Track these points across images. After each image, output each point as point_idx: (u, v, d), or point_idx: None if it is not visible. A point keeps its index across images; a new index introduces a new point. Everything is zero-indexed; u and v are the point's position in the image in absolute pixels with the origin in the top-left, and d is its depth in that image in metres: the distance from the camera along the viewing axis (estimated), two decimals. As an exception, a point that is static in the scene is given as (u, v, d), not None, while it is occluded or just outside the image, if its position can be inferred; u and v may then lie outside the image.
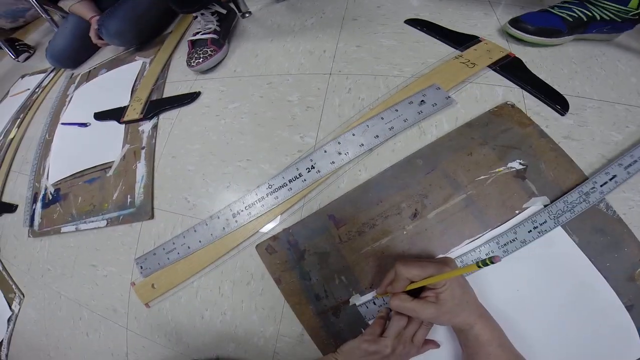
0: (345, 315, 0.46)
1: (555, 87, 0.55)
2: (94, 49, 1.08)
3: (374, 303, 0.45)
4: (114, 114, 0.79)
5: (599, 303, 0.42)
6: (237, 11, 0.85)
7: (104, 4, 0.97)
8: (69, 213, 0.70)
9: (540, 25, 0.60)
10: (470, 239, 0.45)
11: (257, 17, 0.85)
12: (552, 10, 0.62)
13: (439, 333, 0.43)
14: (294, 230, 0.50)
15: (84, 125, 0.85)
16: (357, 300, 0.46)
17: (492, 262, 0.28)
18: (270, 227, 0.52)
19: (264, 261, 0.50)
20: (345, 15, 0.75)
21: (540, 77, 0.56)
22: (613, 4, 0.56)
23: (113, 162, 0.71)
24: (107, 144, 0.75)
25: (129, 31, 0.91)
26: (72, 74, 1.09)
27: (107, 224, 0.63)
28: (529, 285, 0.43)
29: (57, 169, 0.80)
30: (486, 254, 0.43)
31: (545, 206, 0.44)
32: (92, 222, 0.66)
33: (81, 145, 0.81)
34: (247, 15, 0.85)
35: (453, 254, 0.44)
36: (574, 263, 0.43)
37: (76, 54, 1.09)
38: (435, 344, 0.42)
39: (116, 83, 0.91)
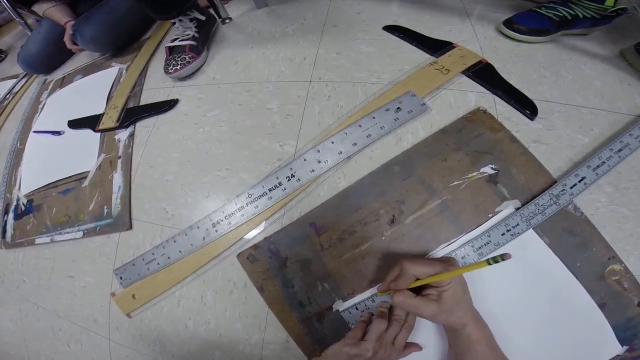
0: (329, 321, 0.46)
1: (525, 92, 0.57)
2: (69, 54, 1.05)
3: (356, 308, 0.46)
4: (89, 122, 0.77)
5: (572, 302, 0.44)
6: (217, 17, 0.84)
7: (79, 8, 0.95)
8: (43, 224, 0.68)
9: (532, 25, 0.65)
10: (446, 243, 0.46)
11: (237, 23, 0.84)
12: (540, 11, 0.66)
13: (421, 335, 0.44)
14: (275, 239, 0.50)
15: (58, 133, 0.82)
16: (340, 306, 0.46)
17: (503, 259, 0.29)
18: (251, 236, 0.51)
19: (245, 270, 0.50)
20: (326, 21, 0.76)
21: (510, 82, 0.58)
22: (592, 3, 0.62)
23: (88, 172, 0.69)
24: (81, 153, 0.73)
25: (105, 37, 0.89)
26: (46, 79, 1.05)
27: (84, 235, 0.62)
28: (503, 288, 0.44)
29: (30, 179, 0.77)
30: (462, 257, 0.44)
31: (517, 209, 0.46)
32: (68, 233, 0.64)
33: (55, 154, 0.78)
34: (227, 21, 0.85)
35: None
36: (546, 264, 0.45)
37: (50, 59, 1.05)
38: (418, 347, 0.43)
39: (91, 90, 0.89)
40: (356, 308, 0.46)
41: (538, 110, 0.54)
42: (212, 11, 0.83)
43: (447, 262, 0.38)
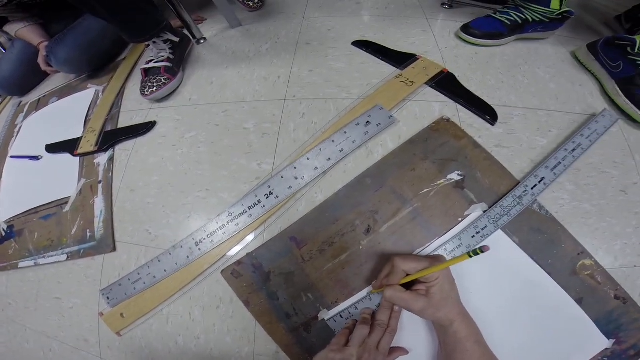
0: (316, 330, 0.48)
1: (485, 98, 0.60)
2: (43, 75, 1.03)
3: (341, 316, 0.47)
4: (67, 146, 0.76)
5: (549, 300, 0.45)
6: (191, 38, 0.85)
7: (53, 28, 0.93)
8: (26, 249, 0.67)
9: (485, 30, 0.70)
10: (420, 248, 0.48)
11: (212, 43, 0.85)
12: (494, 16, 0.70)
13: (412, 336, 0.45)
14: (257, 254, 0.52)
15: (36, 158, 0.80)
16: (326, 315, 0.48)
17: (482, 252, 0.30)
18: (233, 253, 0.53)
19: (230, 285, 0.51)
20: (299, 39, 0.78)
21: (471, 89, 0.61)
22: (539, 7, 0.66)
23: (69, 197, 0.68)
24: (61, 178, 0.72)
25: (80, 59, 0.88)
26: (20, 102, 1.03)
27: (68, 257, 0.62)
28: (479, 290, 0.45)
29: (9, 206, 0.75)
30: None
31: (484, 212, 0.48)
32: (52, 256, 0.63)
33: (33, 180, 0.77)
34: (202, 41, 0.86)
35: None
36: (518, 263, 0.46)
37: (24, 80, 1.02)
38: (404, 351, 0.44)
39: (68, 112, 0.88)
40: (341, 316, 0.47)
41: (498, 115, 0.57)
42: (186, 32, 0.84)
43: (435, 258, 0.40)
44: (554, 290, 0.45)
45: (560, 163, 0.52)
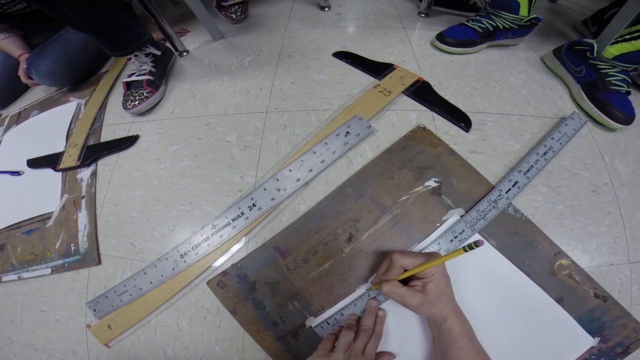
0: (304, 337, 0.48)
1: (460, 105, 0.62)
2: (24, 88, 1.01)
3: (328, 323, 0.48)
4: (49, 161, 0.75)
5: (530, 301, 0.46)
6: (173, 50, 0.86)
7: (34, 40, 0.91)
8: (9, 263, 0.66)
9: (458, 38, 0.72)
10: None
11: (195, 55, 0.86)
12: (467, 24, 0.73)
13: (400, 341, 0.46)
14: (242, 264, 0.52)
15: (17, 173, 0.79)
16: (312, 322, 0.48)
17: (477, 246, 0.31)
18: (219, 264, 0.53)
19: (217, 295, 0.51)
20: (281, 51, 0.79)
21: (446, 97, 0.63)
22: (508, 14, 0.69)
23: (52, 212, 0.67)
24: (43, 193, 0.71)
25: (61, 72, 0.87)
26: (0, 115, 1.01)
27: (52, 271, 0.61)
28: (461, 294, 0.45)
29: None
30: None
31: (461, 217, 0.50)
32: (36, 270, 0.63)
33: (15, 195, 0.75)
34: (184, 54, 0.86)
35: None
36: (497, 266, 0.48)
37: (4, 93, 1.00)
38: (391, 355, 0.44)
39: (50, 126, 0.86)
40: (327, 322, 0.48)
41: (472, 122, 0.60)
42: (168, 44, 0.85)
43: (431, 255, 0.41)
44: (534, 291, 0.46)
45: (532, 166, 0.54)
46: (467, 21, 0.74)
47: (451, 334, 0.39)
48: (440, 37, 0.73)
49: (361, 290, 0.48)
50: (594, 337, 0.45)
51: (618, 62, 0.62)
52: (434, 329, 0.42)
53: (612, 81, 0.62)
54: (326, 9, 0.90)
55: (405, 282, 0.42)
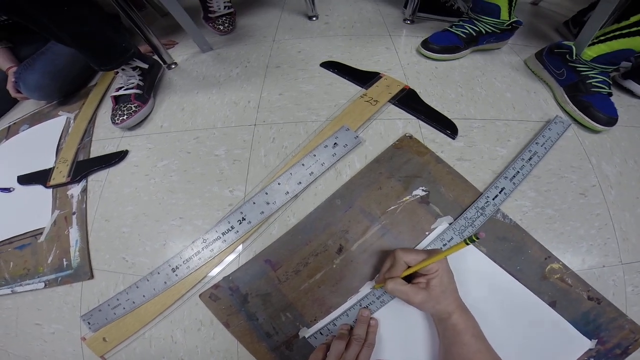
0: (298, 347, 0.48)
1: (446, 112, 0.63)
2: (12, 101, 1.00)
3: (321, 333, 0.48)
4: (39, 178, 0.74)
5: (523, 306, 0.46)
6: (161, 63, 0.86)
7: (22, 52, 0.90)
8: (2, 277, 0.66)
9: (443, 44, 0.73)
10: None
11: (183, 68, 0.86)
12: (451, 29, 0.74)
13: (413, 333, 0.45)
14: (233, 277, 0.52)
15: (8, 190, 0.78)
16: (305, 332, 0.48)
17: (478, 238, 0.31)
18: (210, 277, 0.53)
19: (209, 308, 0.52)
20: (269, 62, 0.80)
21: (432, 104, 0.64)
22: (490, 19, 0.70)
23: (43, 228, 0.67)
24: (34, 210, 0.71)
25: (50, 85, 0.86)
26: (-10, 129, 1.01)
27: (45, 285, 0.61)
28: None
29: None
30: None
31: (450, 224, 0.51)
32: (29, 284, 0.63)
33: (6, 212, 0.75)
34: (172, 66, 0.86)
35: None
36: (488, 272, 0.48)
37: None
38: None
39: (39, 141, 0.86)
40: (320, 333, 0.48)
41: (458, 129, 0.60)
42: (156, 57, 0.85)
43: (433, 251, 0.41)
44: (527, 296, 0.47)
45: (518, 172, 0.55)
46: (451, 27, 0.75)
47: (455, 330, 0.39)
48: (425, 44, 0.74)
49: (355, 298, 0.48)
50: (590, 340, 0.45)
51: (596, 64, 0.63)
52: (439, 326, 0.42)
53: (593, 83, 0.63)
54: (314, 19, 0.91)
55: (408, 280, 0.42)
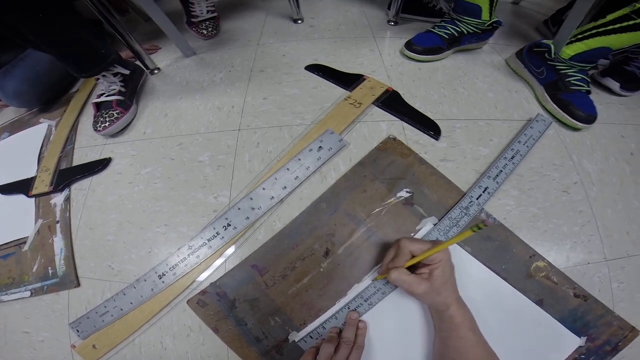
0: (288, 351, 0.48)
1: (429, 113, 0.64)
2: None
3: (310, 337, 0.48)
4: (21, 187, 0.73)
5: (510, 304, 0.47)
6: (144, 68, 0.84)
7: (1, 58, 0.88)
8: None
9: (426, 45, 0.73)
10: (377, 265, 0.50)
11: (166, 73, 0.85)
12: (434, 30, 0.74)
13: (393, 340, 0.45)
14: (220, 283, 0.52)
15: None
16: (295, 336, 0.48)
17: (486, 225, 0.31)
18: (197, 283, 0.53)
19: (197, 314, 0.51)
20: (253, 66, 0.79)
21: (415, 106, 0.64)
22: (471, 19, 0.71)
23: (27, 237, 0.66)
24: (17, 219, 0.69)
25: (29, 92, 0.84)
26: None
27: (32, 294, 0.60)
28: None
29: None
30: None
31: (434, 225, 0.51)
32: (14, 293, 0.62)
33: None
34: (155, 71, 0.85)
35: (365, 282, 0.49)
36: (474, 272, 0.48)
37: None
38: None
39: (21, 149, 0.84)
40: (310, 336, 0.48)
41: (441, 129, 0.61)
42: (138, 62, 0.83)
43: (437, 241, 0.41)
44: (513, 294, 0.47)
45: (501, 171, 0.56)
46: (433, 28, 0.76)
47: (452, 323, 0.39)
48: (409, 45, 0.75)
49: (344, 300, 0.48)
50: (580, 337, 0.45)
51: (575, 62, 0.64)
52: (436, 319, 0.42)
53: (572, 81, 0.64)
54: (299, 22, 0.91)
55: (411, 271, 0.42)
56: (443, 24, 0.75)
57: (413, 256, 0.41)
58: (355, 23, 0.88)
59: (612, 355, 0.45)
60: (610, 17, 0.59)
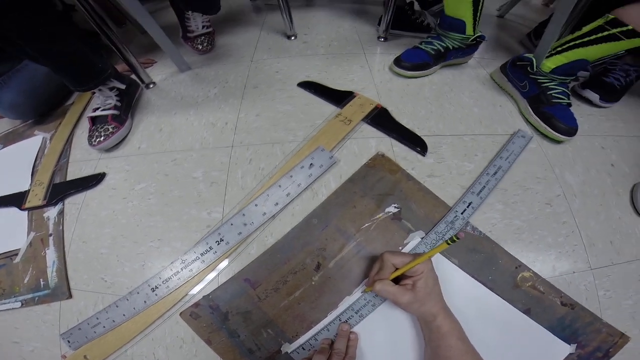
0: None
1: (416, 129, 0.65)
2: None
3: (303, 348, 0.49)
4: (14, 200, 0.73)
5: (498, 315, 0.48)
6: (139, 82, 0.85)
7: None
8: None
9: (414, 61, 0.75)
10: (367, 279, 0.50)
11: (161, 87, 0.86)
12: (420, 46, 0.76)
13: (384, 349, 0.46)
14: (213, 296, 0.53)
15: None
16: (288, 348, 0.49)
17: (458, 239, 0.34)
18: (190, 296, 0.54)
19: (190, 326, 0.52)
20: (246, 83, 0.81)
21: (403, 122, 0.66)
22: (456, 34, 0.72)
23: (19, 249, 0.66)
24: (9, 231, 0.69)
25: (25, 104, 0.85)
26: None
27: (22, 305, 0.60)
28: None
29: None
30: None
31: (422, 239, 0.53)
32: (5, 304, 0.61)
33: None
34: (151, 85, 0.86)
35: (355, 294, 0.50)
36: (461, 284, 0.50)
37: None
38: None
39: (14, 161, 0.84)
40: (303, 348, 0.49)
41: (428, 146, 0.63)
42: (134, 76, 0.84)
43: (419, 254, 0.43)
44: (501, 304, 0.48)
45: (484, 187, 0.58)
46: (420, 44, 0.78)
47: (440, 332, 0.40)
48: (398, 62, 0.77)
49: (335, 313, 0.49)
50: (570, 344, 0.46)
51: (555, 75, 0.66)
52: (424, 329, 0.43)
53: (553, 94, 0.66)
54: (292, 38, 0.93)
55: (396, 282, 0.43)
56: (429, 39, 0.77)
57: (396, 269, 0.43)
58: (347, 39, 0.91)
59: (604, 361, 0.46)
60: (585, 29, 0.61)
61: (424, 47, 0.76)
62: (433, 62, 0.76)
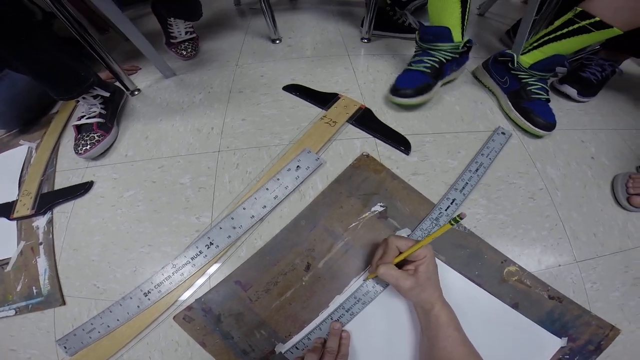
0: None
1: (400, 129, 0.67)
2: None
3: (297, 348, 0.50)
4: (2, 210, 0.72)
5: (486, 310, 0.48)
6: (124, 89, 0.85)
7: None
8: None
9: (415, 86, 0.67)
10: (356, 277, 0.52)
11: (146, 94, 0.85)
12: (412, 67, 0.69)
13: (379, 340, 0.48)
14: (206, 299, 0.53)
15: None
16: (282, 348, 0.50)
17: (461, 219, 0.35)
18: (183, 299, 0.54)
19: (184, 329, 0.52)
20: (232, 87, 0.81)
21: (387, 122, 0.68)
22: (444, 44, 0.67)
23: (9, 258, 0.66)
24: None
25: (6, 113, 0.83)
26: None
27: (16, 312, 0.60)
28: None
29: None
30: (372, 286, 0.51)
31: (408, 236, 0.54)
32: None
33: None
34: (136, 93, 0.86)
35: (346, 293, 0.51)
36: (448, 280, 0.50)
37: None
38: None
39: (1, 171, 0.83)
40: (296, 347, 0.50)
41: (411, 144, 0.64)
42: (118, 83, 0.84)
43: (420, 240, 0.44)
44: (488, 299, 0.49)
45: (467, 183, 0.59)
46: (410, 65, 0.71)
47: (438, 322, 0.40)
48: (396, 91, 0.68)
49: (327, 312, 0.50)
50: (560, 338, 0.46)
51: (534, 71, 0.67)
52: (422, 318, 0.44)
53: (533, 90, 0.68)
54: (277, 42, 0.94)
55: (398, 267, 0.44)
56: (417, 58, 0.70)
57: (400, 253, 0.44)
58: (331, 42, 0.92)
59: (597, 354, 0.46)
60: (557, 23, 0.62)
61: (415, 68, 0.68)
62: (432, 80, 0.68)
